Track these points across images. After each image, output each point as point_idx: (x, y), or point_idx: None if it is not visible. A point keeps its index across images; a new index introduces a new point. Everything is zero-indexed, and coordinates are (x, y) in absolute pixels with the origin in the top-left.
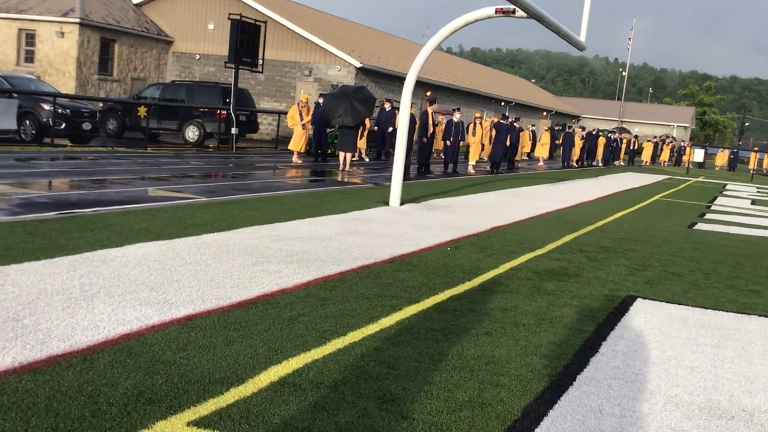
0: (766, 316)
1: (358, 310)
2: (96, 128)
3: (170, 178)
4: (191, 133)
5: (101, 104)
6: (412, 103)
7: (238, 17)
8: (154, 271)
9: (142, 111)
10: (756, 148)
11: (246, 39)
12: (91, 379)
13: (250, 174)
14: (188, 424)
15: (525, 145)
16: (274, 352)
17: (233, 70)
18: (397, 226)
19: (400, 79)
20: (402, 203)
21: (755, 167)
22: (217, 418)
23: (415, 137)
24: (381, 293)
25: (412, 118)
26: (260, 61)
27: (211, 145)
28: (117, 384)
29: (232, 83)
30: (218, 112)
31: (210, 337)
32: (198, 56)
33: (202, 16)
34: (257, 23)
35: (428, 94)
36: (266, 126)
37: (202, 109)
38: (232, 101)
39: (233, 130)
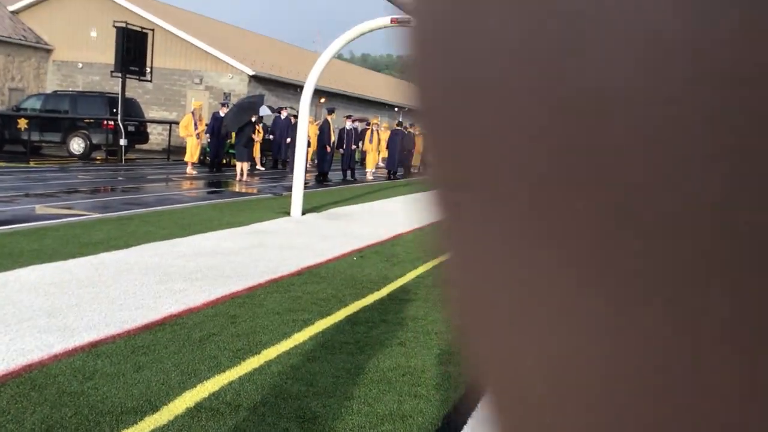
0: None
1: (270, 326)
2: None
3: (58, 194)
4: (76, 145)
5: None
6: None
7: (123, 25)
8: (51, 295)
9: (22, 123)
10: None
11: (132, 47)
12: None
13: (144, 187)
14: None
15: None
16: (187, 375)
17: (120, 79)
18: (302, 237)
19: (294, 87)
20: (304, 213)
21: None
22: None
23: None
24: (291, 307)
25: (325, 126)
26: (148, 70)
27: (98, 158)
28: (23, 419)
29: (120, 93)
30: (105, 122)
31: (118, 363)
32: (81, 65)
33: (84, 23)
34: (144, 31)
35: (322, 101)
36: (156, 136)
37: (87, 120)
38: (119, 111)
39: (122, 141)
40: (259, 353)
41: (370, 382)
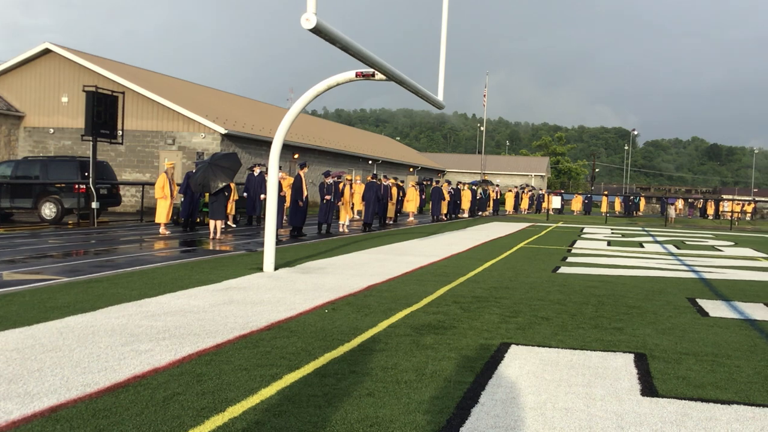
0: (629, 352)
1: (237, 382)
2: None
3: (27, 260)
4: (48, 210)
5: None
6: (280, 167)
7: (93, 89)
8: (13, 361)
9: None
10: (606, 192)
11: (103, 110)
12: None
13: (115, 249)
14: None
15: (395, 201)
16: None
17: (91, 143)
18: (273, 292)
19: (267, 144)
20: (276, 268)
21: (608, 210)
22: None
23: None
24: (260, 363)
25: (298, 181)
26: (119, 132)
27: (70, 222)
28: None
29: (91, 156)
30: (76, 186)
31: (77, 428)
32: (52, 130)
33: (55, 88)
34: (114, 94)
35: (296, 156)
36: (130, 198)
37: (58, 185)
38: (91, 174)
39: (94, 205)
40: (224, 411)
41: None
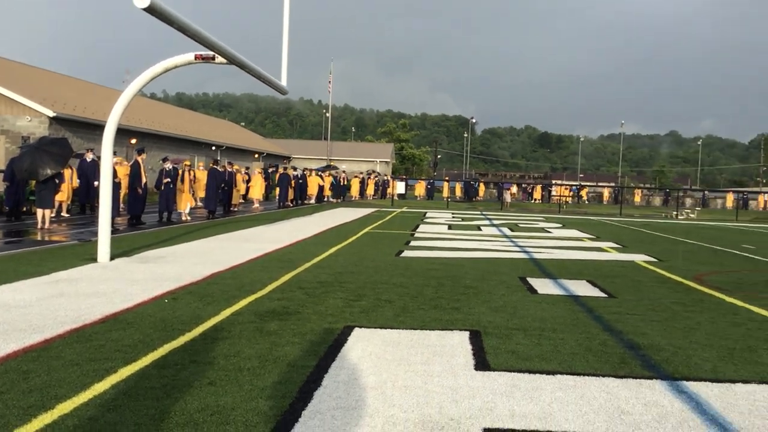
0: (465, 330)
1: (68, 378)
2: None
3: None
4: None
5: None
6: (115, 152)
7: None
8: None
9: None
10: (447, 178)
11: None
12: None
13: None
14: None
15: (240, 188)
16: None
17: None
18: (108, 283)
19: (100, 128)
20: (112, 258)
21: (449, 195)
22: None
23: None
24: (93, 357)
25: (135, 167)
26: None
27: None
28: None
29: None
30: None
31: None
32: None
33: None
34: None
35: (133, 142)
36: None
37: None
38: None
39: None
40: (53, 408)
41: (175, 426)
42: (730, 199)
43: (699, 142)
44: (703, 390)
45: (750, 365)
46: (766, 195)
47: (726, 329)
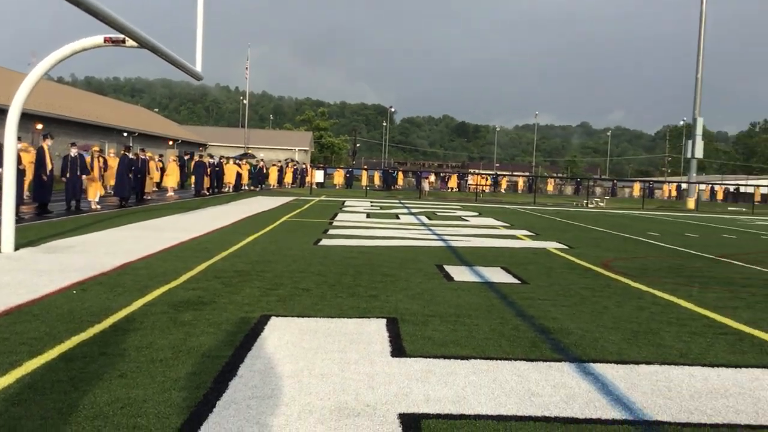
0: (382, 317)
1: None
2: None
3: None
4: None
5: None
6: (20, 137)
7: None
8: None
9: None
10: (366, 167)
11: None
12: None
13: None
14: None
15: (154, 175)
16: None
17: None
18: (12, 274)
19: (4, 113)
20: (17, 248)
21: (368, 183)
22: None
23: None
24: None
25: (41, 153)
26: None
27: None
28: None
29: None
30: None
31: None
32: None
33: None
34: None
35: (39, 127)
36: None
37: None
38: None
39: None
40: None
41: (83, 419)
42: (637, 189)
43: (608, 133)
44: (609, 371)
45: (653, 347)
46: (670, 184)
47: (631, 313)
